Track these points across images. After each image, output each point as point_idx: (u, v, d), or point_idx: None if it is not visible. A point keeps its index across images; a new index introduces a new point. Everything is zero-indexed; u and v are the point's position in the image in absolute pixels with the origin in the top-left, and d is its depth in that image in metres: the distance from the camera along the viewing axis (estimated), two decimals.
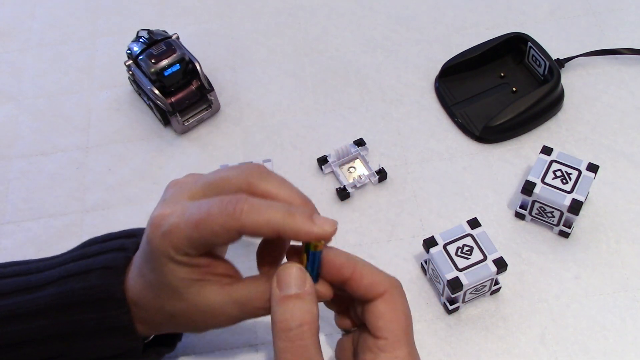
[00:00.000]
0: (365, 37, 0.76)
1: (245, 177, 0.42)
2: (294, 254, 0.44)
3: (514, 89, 0.70)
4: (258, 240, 0.47)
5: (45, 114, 0.74)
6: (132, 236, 0.49)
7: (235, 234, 0.40)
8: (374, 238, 0.63)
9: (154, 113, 0.71)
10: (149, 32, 0.69)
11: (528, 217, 0.62)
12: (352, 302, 0.46)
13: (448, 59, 0.72)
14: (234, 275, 0.45)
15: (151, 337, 0.52)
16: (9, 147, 0.72)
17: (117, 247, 0.48)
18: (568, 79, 0.70)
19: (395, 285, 0.43)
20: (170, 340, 0.54)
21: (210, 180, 0.43)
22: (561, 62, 0.70)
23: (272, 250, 0.46)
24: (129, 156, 0.70)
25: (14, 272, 0.50)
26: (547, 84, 0.67)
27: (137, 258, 0.46)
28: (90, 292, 0.46)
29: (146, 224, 0.43)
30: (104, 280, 0.46)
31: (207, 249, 0.42)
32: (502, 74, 0.71)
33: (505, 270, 0.55)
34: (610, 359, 0.55)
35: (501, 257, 0.55)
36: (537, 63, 0.69)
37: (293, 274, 0.41)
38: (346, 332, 0.48)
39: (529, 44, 0.69)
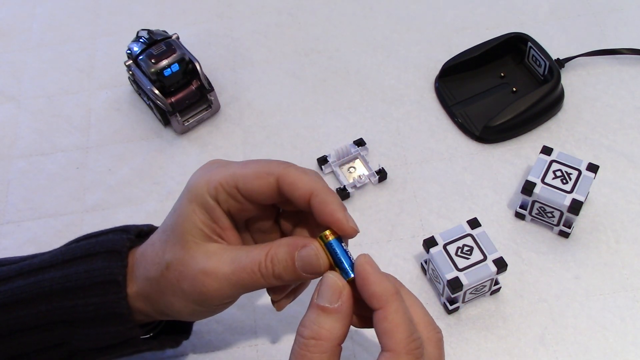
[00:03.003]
0: (365, 37, 0.76)
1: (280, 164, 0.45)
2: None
3: (514, 89, 0.70)
4: None
5: (45, 114, 0.74)
6: (128, 231, 0.50)
7: (274, 189, 0.43)
8: (374, 238, 0.63)
9: (154, 113, 0.71)
10: (149, 32, 0.69)
11: (528, 217, 0.62)
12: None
13: (448, 59, 0.72)
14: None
15: (160, 326, 0.52)
16: (9, 147, 0.72)
17: (121, 229, 0.50)
18: (568, 79, 0.70)
19: (409, 352, 0.39)
20: (183, 327, 0.54)
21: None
22: (561, 62, 0.70)
23: (291, 219, 0.47)
24: (129, 156, 0.70)
25: (20, 258, 0.50)
26: (547, 84, 0.67)
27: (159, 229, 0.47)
28: (94, 274, 0.46)
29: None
30: (107, 263, 0.46)
31: (239, 205, 0.44)
32: (502, 74, 0.71)
33: (505, 270, 0.55)
34: (610, 359, 0.55)
35: (501, 257, 0.55)
36: (537, 63, 0.69)
37: (332, 285, 0.40)
38: None
39: (529, 44, 0.69)
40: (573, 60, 0.71)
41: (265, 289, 0.46)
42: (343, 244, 0.42)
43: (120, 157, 0.70)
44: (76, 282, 0.46)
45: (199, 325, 0.59)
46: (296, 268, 0.42)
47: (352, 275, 0.41)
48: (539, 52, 0.68)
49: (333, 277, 0.41)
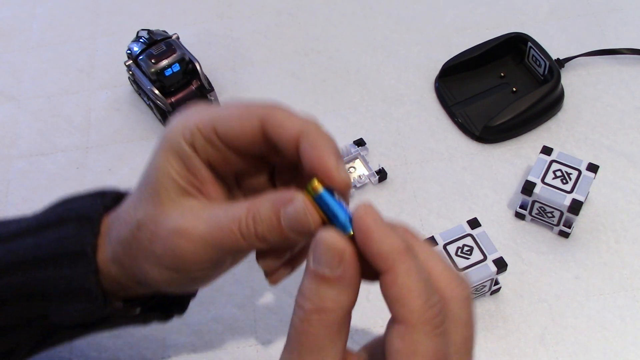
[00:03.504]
0: (365, 37, 0.76)
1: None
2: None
3: (514, 89, 0.70)
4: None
5: (45, 114, 0.74)
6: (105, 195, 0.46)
7: (257, 133, 0.37)
8: None
9: (154, 113, 0.71)
10: (149, 32, 0.69)
11: (528, 217, 0.62)
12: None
13: (448, 59, 0.72)
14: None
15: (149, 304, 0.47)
16: (9, 147, 0.72)
17: (98, 193, 0.45)
18: (568, 79, 0.70)
19: (427, 322, 0.31)
20: (179, 301, 0.49)
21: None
22: (561, 62, 0.70)
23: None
24: (129, 156, 0.70)
25: (6, 222, 0.46)
26: (547, 84, 0.67)
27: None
28: (63, 243, 0.42)
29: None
30: (78, 231, 0.42)
31: (220, 154, 0.38)
32: (502, 74, 0.71)
33: (505, 270, 0.55)
34: (610, 359, 0.55)
35: (501, 257, 0.55)
36: (537, 63, 0.69)
37: (329, 246, 0.32)
38: None
39: (529, 44, 0.69)
40: (573, 60, 0.71)
41: (256, 259, 0.41)
42: (337, 197, 0.35)
43: (120, 157, 0.70)
44: (47, 251, 0.42)
45: (199, 325, 0.59)
46: (282, 227, 0.36)
47: (350, 232, 0.33)
48: (539, 52, 0.68)
49: (329, 235, 0.32)
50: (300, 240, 0.36)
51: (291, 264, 0.41)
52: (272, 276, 0.41)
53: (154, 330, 0.59)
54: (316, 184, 0.35)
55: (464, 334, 0.33)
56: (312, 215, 0.34)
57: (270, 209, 0.36)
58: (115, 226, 0.41)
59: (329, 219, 0.34)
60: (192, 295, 0.49)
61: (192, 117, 0.38)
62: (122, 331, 0.59)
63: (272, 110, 0.37)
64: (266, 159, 0.40)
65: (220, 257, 0.39)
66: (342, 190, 0.35)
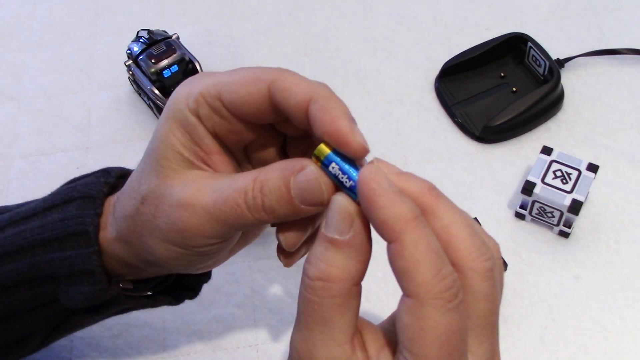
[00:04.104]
0: (365, 37, 0.76)
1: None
2: None
3: (514, 89, 0.70)
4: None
5: (45, 114, 0.74)
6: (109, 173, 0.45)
7: (264, 100, 0.34)
8: (374, 239, 0.63)
9: (154, 113, 0.71)
10: (149, 32, 0.69)
11: (528, 217, 0.62)
12: None
13: (448, 59, 0.72)
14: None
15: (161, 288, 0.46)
16: (9, 147, 0.72)
17: (102, 171, 0.44)
18: (568, 79, 0.70)
19: (436, 296, 0.29)
20: (191, 284, 0.47)
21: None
22: (561, 62, 0.70)
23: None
24: (129, 156, 0.70)
25: (6, 208, 0.46)
26: (547, 84, 0.67)
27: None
28: (67, 224, 0.41)
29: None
30: (81, 211, 0.41)
31: (226, 123, 0.36)
32: (502, 74, 0.71)
33: (505, 270, 0.55)
34: (610, 359, 0.55)
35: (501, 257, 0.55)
36: (537, 63, 0.69)
37: (339, 210, 0.31)
38: None
39: (529, 44, 0.69)
40: (573, 60, 0.71)
41: (276, 234, 0.37)
42: (346, 160, 0.33)
43: (120, 157, 0.70)
44: (52, 232, 0.41)
45: (199, 325, 0.59)
46: (292, 198, 0.33)
47: None
48: (539, 52, 0.68)
49: (342, 200, 0.32)
50: (312, 212, 0.34)
51: (307, 243, 0.38)
52: (288, 258, 0.39)
53: (154, 330, 0.59)
54: (324, 147, 0.33)
55: (484, 307, 0.31)
56: (326, 183, 0.33)
57: (279, 179, 0.34)
58: (120, 202, 0.40)
59: (341, 184, 0.32)
60: (205, 278, 0.47)
61: (196, 85, 0.36)
62: (122, 331, 0.59)
63: (280, 74, 0.35)
64: (276, 130, 0.38)
65: (226, 232, 0.36)
66: (359, 155, 0.33)
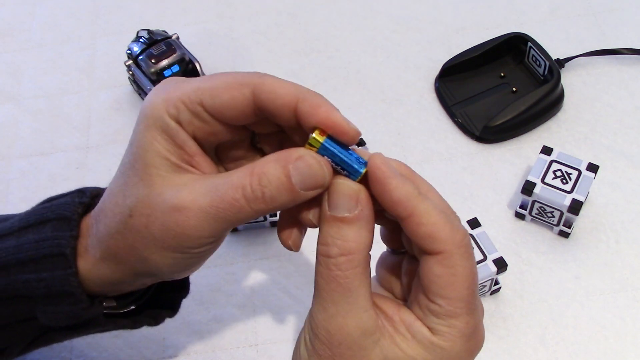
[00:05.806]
0: (365, 37, 0.76)
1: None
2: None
3: (514, 89, 0.70)
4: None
5: (45, 114, 0.74)
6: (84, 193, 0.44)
7: (248, 103, 0.36)
8: (374, 239, 0.63)
9: None
10: (149, 32, 0.69)
11: (528, 217, 0.62)
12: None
13: (448, 59, 0.72)
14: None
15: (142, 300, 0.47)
16: (9, 147, 0.72)
17: (77, 191, 0.44)
18: (568, 79, 0.70)
19: (459, 246, 0.34)
20: (171, 302, 0.48)
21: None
22: (561, 62, 0.70)
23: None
24: None
25: None
26: (547, 84, 0.67)
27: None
28: (42, 245, 0.41)
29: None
30: (56, 232, 0.41)
31: (207, 126, 0.37)
32: (502, 74, 0.71)
33: (505, 270, 0.55)
34: (610, 359, 0.55)
35: (501, 257, 0.55)
36: (537, 63, 0.69)
37: (345, 191, 0.35)
38: (393, 251, 0.41)
39: (529, 44, 0.69)
40: (573, 60, 0.71)
41: (278, 234, 0.40)
42: (339, 143, 0.36)
43: (120, 157, 0.70)
44: (27, 253, 0.41)
45: (199, 325, 0.59)
46: (293, 185, 0.35)
47: (362, 171, 0.35)
48: (539, 52, 0.68)
49: (343, 181, 0.35)
50: (309, 196, 0.36)
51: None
52: (293, 239, 0.40)
53: (154, 330, 0.59)
54: (317, 133, 0.35)
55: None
56: (327, 166, 0.35)
57: (278, 168, 0.35)
58: (101, 222, 0.40)
59: (338, 166, 0.35)
60: (183, 294, 0.49)
61: (172, 92, 0.37)
62: (122, 331, 0.59)
63: (262, 78, 0.36)
64: (246, 128, 0.39)
65: (224, 228, 0.37)
66: (355, 139, 0.36)
